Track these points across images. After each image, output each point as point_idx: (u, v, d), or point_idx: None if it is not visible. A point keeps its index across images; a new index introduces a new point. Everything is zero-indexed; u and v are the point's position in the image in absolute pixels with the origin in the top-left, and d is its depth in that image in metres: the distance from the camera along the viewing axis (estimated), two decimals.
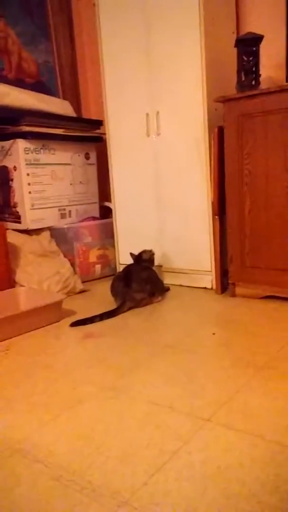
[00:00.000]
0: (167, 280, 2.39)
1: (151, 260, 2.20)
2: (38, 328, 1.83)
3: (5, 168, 2.46)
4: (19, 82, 2.66)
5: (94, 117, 2.94)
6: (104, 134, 2.60)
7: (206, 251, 2.25)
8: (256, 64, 1.94)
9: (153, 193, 2.41)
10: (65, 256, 2.48)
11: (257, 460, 0.92)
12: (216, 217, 2.12)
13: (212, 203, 2.13)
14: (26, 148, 2.39)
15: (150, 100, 2.31)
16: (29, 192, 2.43)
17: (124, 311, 1.98)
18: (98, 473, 0.91)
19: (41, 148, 2.46)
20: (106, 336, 1.71)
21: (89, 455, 0.98)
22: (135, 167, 2.45)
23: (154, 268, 2.20)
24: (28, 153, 2.40)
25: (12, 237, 2.33)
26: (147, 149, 2.38)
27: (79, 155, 2.69)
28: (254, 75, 1.94)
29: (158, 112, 2.29)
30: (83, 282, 2.42)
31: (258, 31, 1.97)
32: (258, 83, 1.95)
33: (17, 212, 2.47)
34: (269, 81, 2.15)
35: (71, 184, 2.66)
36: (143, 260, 2.18)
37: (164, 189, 2.36)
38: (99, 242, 2.64)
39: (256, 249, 1.97)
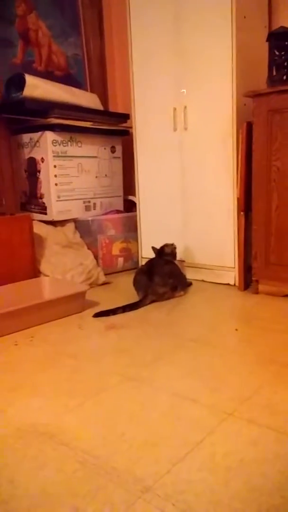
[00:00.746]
0: (190, 275, 2.39)
1: (173, 253, 2.21)
2: (61, 318, 1.86)
3: (33, 159, 2.50)
4: (48, 75, 2.69)
5: (121, 111, 2.95)
6: (131, 127, 2.61)
7: (230, 247, 2.24)
8: None
9: (178, 188, 2.41)
10: (88, 248, 2.50)
11: (280, 455, 0.92)
12: (242, 213, 2.11)
13: (238, 199, 2.12)
14: (54, 140, 2.42)
15: (178, 95, 2.30)
16: (56, 184, 2.46)
17: (146, 304, 1.99)
18: (122, 459, 0.93)
19: (69, 141, 2.49)
20: (129, 328, 1.72)
21: (113, 441, 0.99)
22: (160, 162, 2.45)
23: (176, 262, 2.21)
24: (56, 145, 2.43)
25: (38, 228, 2.37)
26: (173, 143, 2.37)
27: (105, 148, 2.71)
28: (285, 70, 1.91)
29: (185, 107, 2.28)
30: (105, 274, 2.44)
31: None
32: None
33: (43, 203, 2.51)
34: None
35: (96, 177, 2.68)
36: (166, 254, 2.19)
37: (189, 184, 2.36)
38: (122, 235, 2.66)
39: (281, 247, 1.96)
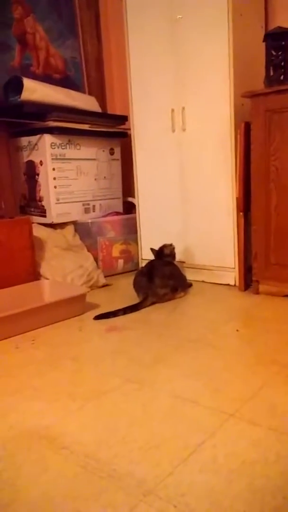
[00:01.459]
0: (190, 276, 2.39)
1: (172, 254, 2.20)
2: (62, 320, 1.86)
3: (31, 162, 2.50)
4: (46, 78, 2.69)
5: (119, 113, 2.95)
6: (129, 129, 2.61)
7: (229, 248, 2.24)
8: (285, 58, 1.91)
9: (177, 189, 2.41)
10: (88, 251, 2.50)
11: (282, 456, 0.92)
12: (241, 213, 2.11)
13: (237, 199, 2.12)
14: (52, 143, 2.42)
15: (176, 96, 2.30)
16: (55, 187, 2.46)
17: (147, 306, 1.99)
18: (124, 462, 0.93)
19: (67, 143, 2.49)
20: (129, 330, 1.72)
21: (114, 444, 0.99)
22: (159, 163, 2.45)
23: (175, 263, 2.21)
24: (54, 148, 2.43)
25: (38, 231, 2.37)
26: (172, 144, 2.38)
27: (103, 151, 2.71)
28: (282, 70, 1.91)
29: (183, 108, 2.28)
30: (105, 276, 2.44)
31: (287, 25, 1.94)
32: (286, 78, 1.92)
33: (43, 206, 2.51)
34: None
35: (95, 179, 2.68)
36: (165, 255, 2.19)
37: (188, 185, 2.36)
38: (122, 237, 2.66)
39: (281, 246, 1.95)
